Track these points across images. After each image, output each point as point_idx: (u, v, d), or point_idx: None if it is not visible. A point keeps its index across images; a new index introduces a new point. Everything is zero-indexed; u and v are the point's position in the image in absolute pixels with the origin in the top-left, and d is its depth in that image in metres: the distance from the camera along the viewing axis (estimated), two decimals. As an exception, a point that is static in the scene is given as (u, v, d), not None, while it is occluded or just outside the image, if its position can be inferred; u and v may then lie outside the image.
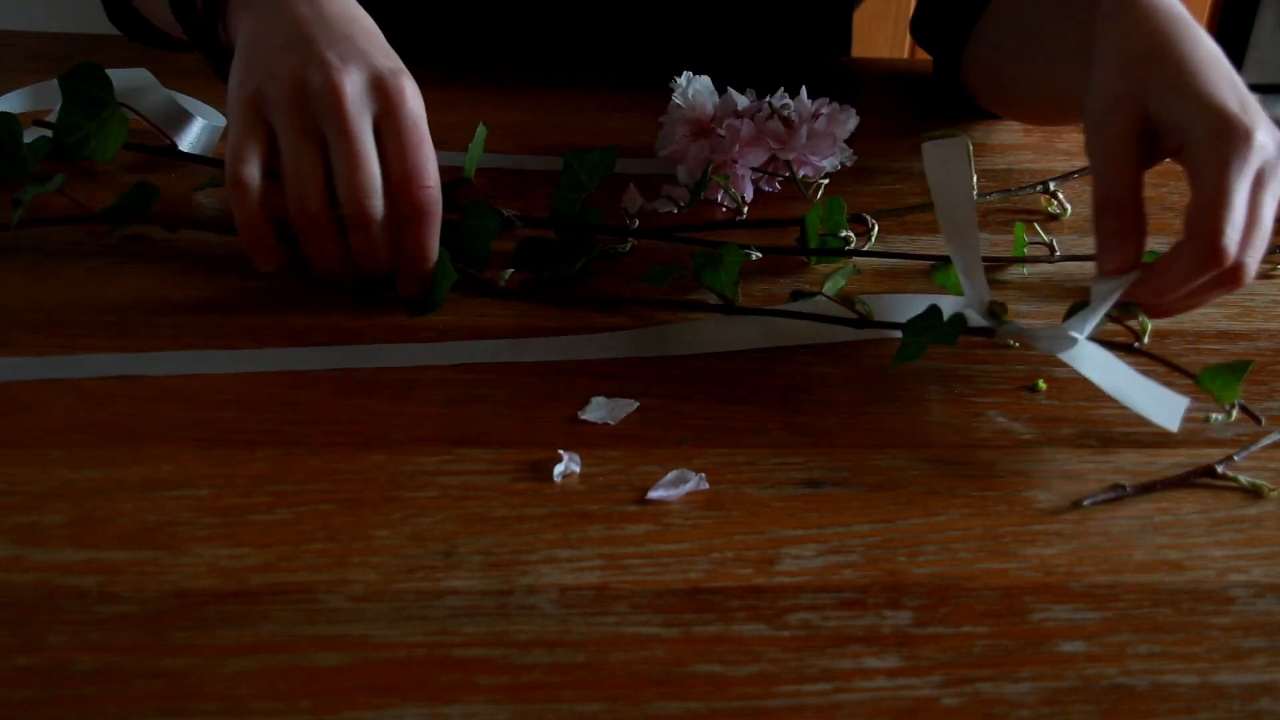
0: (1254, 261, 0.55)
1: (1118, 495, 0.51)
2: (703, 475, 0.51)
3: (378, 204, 0.58)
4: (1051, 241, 0.68)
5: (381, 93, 0.59)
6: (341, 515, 0.48)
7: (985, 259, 0.68)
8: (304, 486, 0.50)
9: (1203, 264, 0.53)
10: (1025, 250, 0.68)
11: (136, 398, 0.54)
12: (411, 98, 0.59)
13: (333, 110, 0.58)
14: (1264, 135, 0.55)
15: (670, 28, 0.94)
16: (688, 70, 0.74)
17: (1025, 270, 0.68)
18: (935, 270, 0.65)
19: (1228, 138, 0.54)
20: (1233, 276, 0.55)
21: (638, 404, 0.54)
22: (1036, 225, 0.70)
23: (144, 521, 0.47)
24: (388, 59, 0.61)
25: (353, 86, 0.58)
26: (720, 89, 0.74)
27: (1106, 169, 0.56)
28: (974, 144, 0.72)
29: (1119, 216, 0.56)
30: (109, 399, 0.54)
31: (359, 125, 0.58)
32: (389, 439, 0.53)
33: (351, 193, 0.58)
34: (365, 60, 0.59)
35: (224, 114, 0.71)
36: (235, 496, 0.49)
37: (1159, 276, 0.55)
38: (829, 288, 0.61)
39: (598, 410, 0.54)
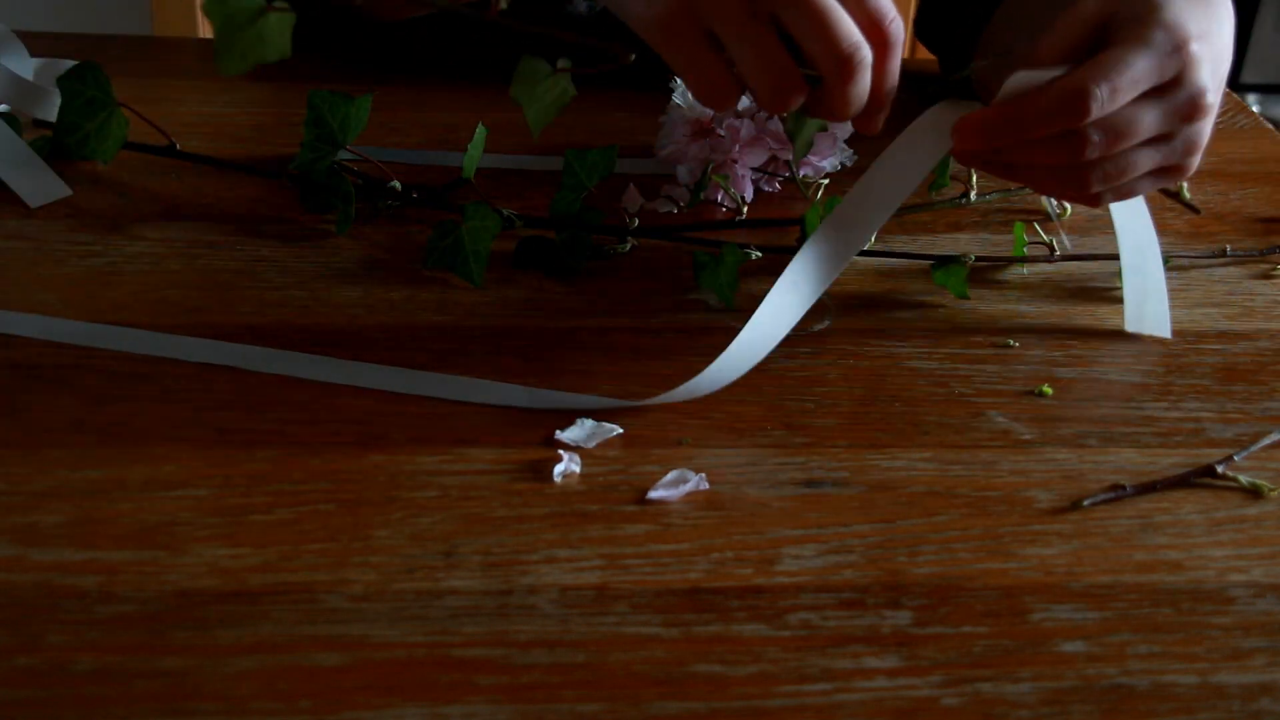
0: (1099, 141, 0.54)
1: (1118, 495, 0.51)
2: (703, 475, 0.51)
3: (866, 52, 0.56)
4: (1051, 241, 0.68)
5: None
6: (341, 515, 0.48)
7: (984, 259, 0.68)
8: (304, 486, 0.50)
9: (1064, 106, 0.53)
10: (1025, 250, 0.68)
11: (136, 398, 0.54)
12: None
13: None
14: (1197, 46, 0.55)
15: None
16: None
17: (1025, 270, 0.68)
18: (935, 270, 0.65)
19: (1154, 37, 0.54)
20: (1072, 149, 0.55)
21: (620, 430, 0.54)
22: (1036, 225, 0.70)
23: (144, 521, 0.47)
24: None
25: None
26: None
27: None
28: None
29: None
30: (109, 399, 0.54)
31: None
32: (389, 439, 0.53)
33: (839, 50, 0.55)
34: None
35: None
36: (235, 496, 0.49)
37: (1018, 103, 0.55)
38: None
39: (577, 431, 0.53)
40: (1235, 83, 2.11)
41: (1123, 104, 0.54)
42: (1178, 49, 0.55)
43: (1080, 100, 0.53)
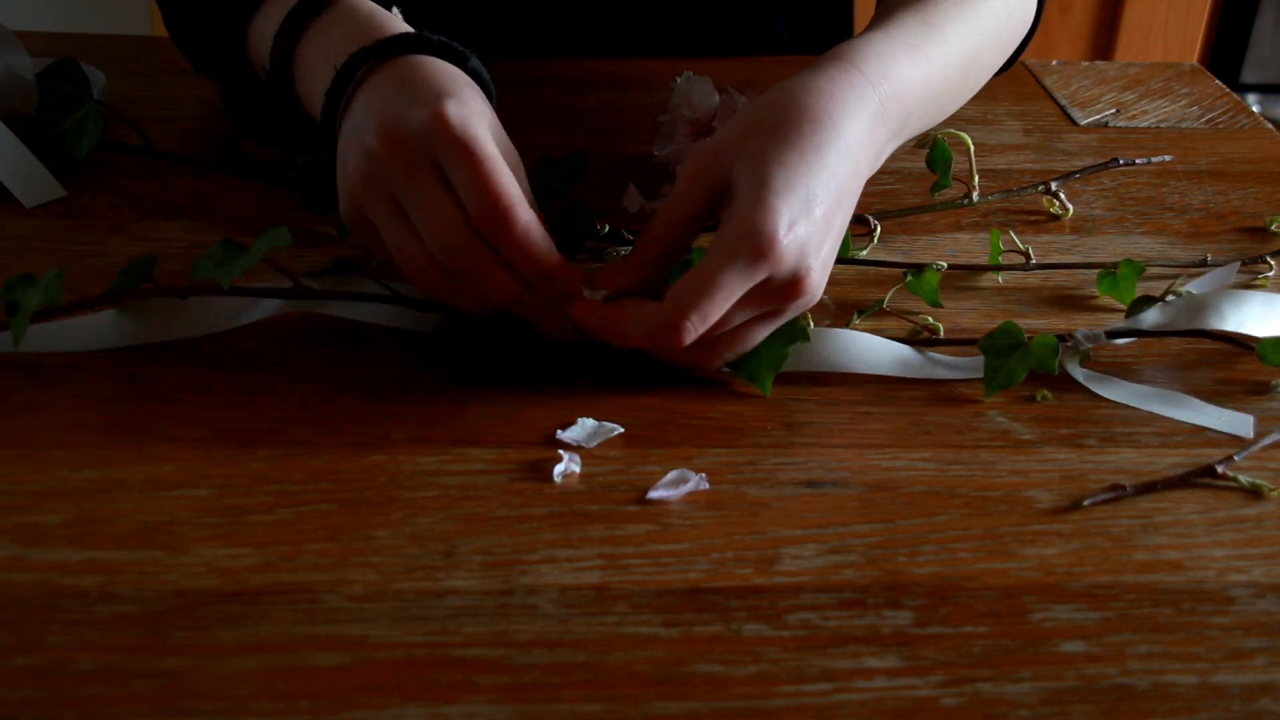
0: (714, 358, 0.55)
1: (1118, 495, 0.51)
2: (703, 475, 0.51)
3: (523, 212, 0.54)
4: (1027, 249, 0.68)
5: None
6: (341, 515, 0.48)
7: (957, 266, 0.68)
8: (304, 486, 0.50)
9: (660, 332, 0.52)
10: (1000, 259, 0.67)
11: (137, 398, 0.54)
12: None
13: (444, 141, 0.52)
14: (791, 238, 0.52)
15: (670, 26, 0.94)
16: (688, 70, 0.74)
17: (1000, 278, 0.67)
18: (908, 278, 0.64)
19: (752, 239, 0.52)
20: (697, 360, 0.56)
21: (621, 429, 0.54)
22: (1013, 234, 0.70)
23: (144, 521, 0.47)
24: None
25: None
26: (720, 87, 0.74)
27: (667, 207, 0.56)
28: (974, 144, 0.72)
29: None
30: (109, 399, 0.54)
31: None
32: (389, 439, 0.53)
33: (493, 199, 0.53)
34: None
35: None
36: (235, 496, 0.49)
37: (616, 312, 0.54)
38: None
39: (578, 431, 0.53)
40: (1235, 83, 2.11)
41: (717, 318, 0.53)
42: (763, 255, 0.51)
43: (674, 333, 0.52)
